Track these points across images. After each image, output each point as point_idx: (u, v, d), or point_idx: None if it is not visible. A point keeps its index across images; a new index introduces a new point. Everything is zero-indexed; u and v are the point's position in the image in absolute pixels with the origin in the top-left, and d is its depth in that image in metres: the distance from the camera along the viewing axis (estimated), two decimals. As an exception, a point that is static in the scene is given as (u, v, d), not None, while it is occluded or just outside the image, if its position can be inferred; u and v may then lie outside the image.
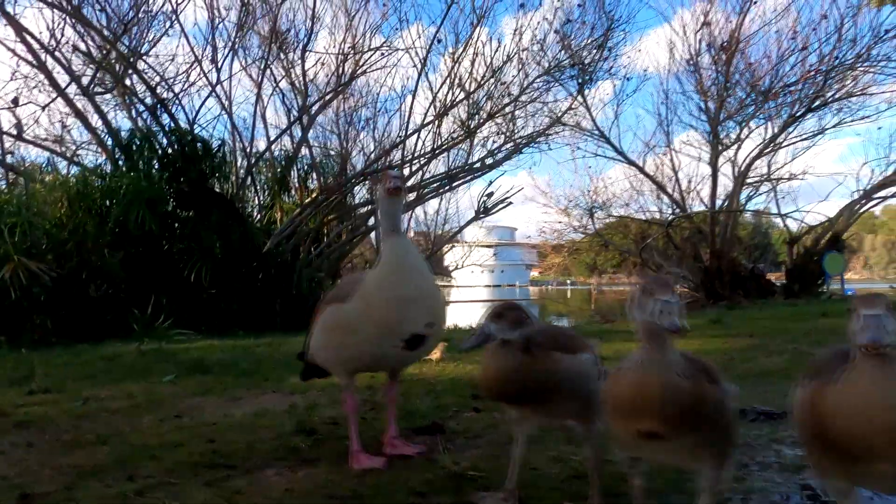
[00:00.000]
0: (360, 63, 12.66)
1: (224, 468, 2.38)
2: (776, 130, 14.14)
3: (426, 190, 13.39)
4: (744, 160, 14.69)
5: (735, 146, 14.80)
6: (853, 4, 12.37)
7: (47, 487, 2.20)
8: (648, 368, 1.39)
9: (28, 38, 9.81)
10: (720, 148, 14.50)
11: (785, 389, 1.55)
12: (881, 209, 48.47)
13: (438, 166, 13.70)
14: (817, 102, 13.40)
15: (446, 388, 3.88)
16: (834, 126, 14.14)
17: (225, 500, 2.03)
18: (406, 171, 12.95)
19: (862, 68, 12.76)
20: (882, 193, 13.87)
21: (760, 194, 15.84)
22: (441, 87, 12.58)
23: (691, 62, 14.20)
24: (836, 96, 13.34)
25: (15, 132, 10.87)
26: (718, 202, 15.06)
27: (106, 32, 10.63)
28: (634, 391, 1.40)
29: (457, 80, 12.42)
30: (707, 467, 1.52)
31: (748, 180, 15.00)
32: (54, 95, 10.79)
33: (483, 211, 12.55)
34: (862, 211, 14.55)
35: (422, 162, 12.92)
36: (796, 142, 14.60)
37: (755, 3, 13.39)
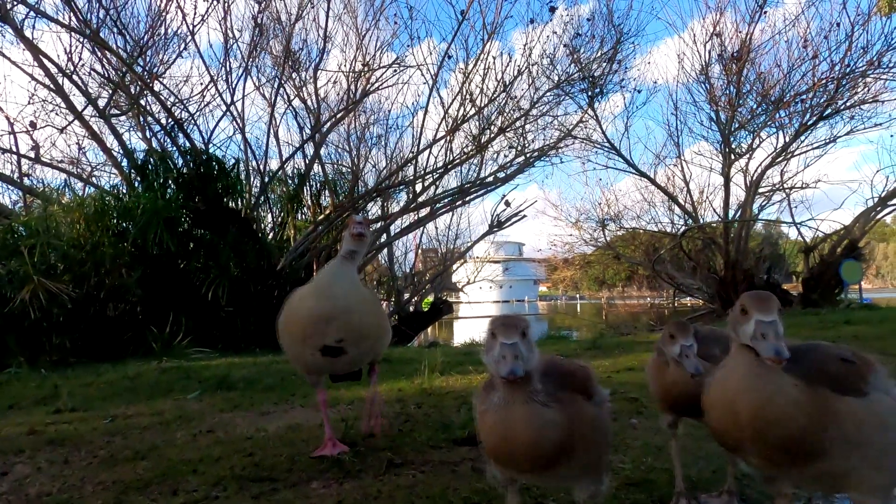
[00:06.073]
0: (372, 80, 12.76)
1: (269, 481, 2.33)
2: (788, 139, 14.06)
3: (438, 205, 13.39)
4: (756, 169, 14.61)
5: (747, 156, 14.74)
6: (863, 12, 12.36)
7: (92, 503, 2.16)
8: None
9: (45, 61, 9.95)
10: (732, 158, 14.44)
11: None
12: (892, 217, 48.13)
13: (450, 181, 13.72)
14: (829, 110, 13.31)
15: (478, 400, 3.82)
16: (846, 134, 14.02)
17: (276, 513, 1.98)
18: (418, 187, 12.98)
19: (873, 75, 12.69)
20: (897, 200, 13.71)
21: (773, 203, 15.74)
22: (452, 102, 12.65)
23: (702, 72, 14.19)
24: (848, 104, 13.26)
25: (33, 155, 10.98)
26: (731, 212, 14.97)
27: (123, 54, 10.77)
28: None
29: (468, 96, 12.48)
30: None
31: (760, 190, 14.91)
32: (71, 118, 10.93)
33: (497, 224, 12.52)
34: (878, 218, 14.39)
35: (434, 177, 12.93)
36: (808, 150, 14.49)
37: (765, 12, 13.40)
